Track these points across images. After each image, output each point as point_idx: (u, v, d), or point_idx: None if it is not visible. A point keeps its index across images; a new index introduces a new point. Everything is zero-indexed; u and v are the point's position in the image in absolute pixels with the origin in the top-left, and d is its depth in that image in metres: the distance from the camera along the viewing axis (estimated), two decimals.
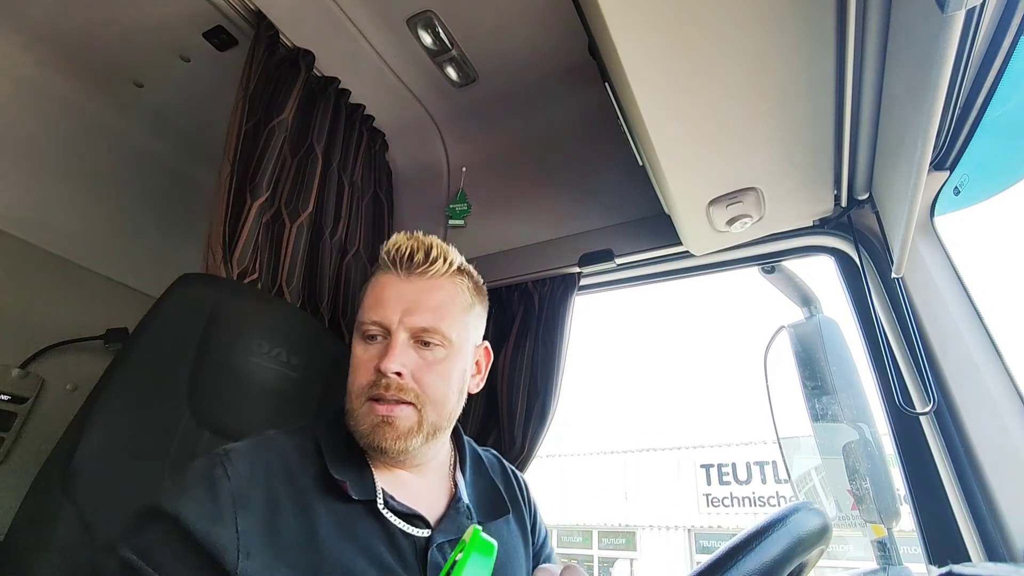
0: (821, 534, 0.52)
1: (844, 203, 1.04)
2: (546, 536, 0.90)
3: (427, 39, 1.40)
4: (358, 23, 1.39)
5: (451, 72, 1.51)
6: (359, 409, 0.68)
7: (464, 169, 1.69)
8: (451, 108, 1.65)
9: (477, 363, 0.80)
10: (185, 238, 1.80)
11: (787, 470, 1.18)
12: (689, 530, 10.66)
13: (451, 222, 1.63)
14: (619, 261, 1.35)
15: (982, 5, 0.56)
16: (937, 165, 0.91)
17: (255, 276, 1.15)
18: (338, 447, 0.68)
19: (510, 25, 1.37)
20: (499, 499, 0.79)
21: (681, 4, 0.68)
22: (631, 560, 11.09)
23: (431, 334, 0.69)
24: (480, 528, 0.59)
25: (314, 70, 1.45)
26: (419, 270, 0.72)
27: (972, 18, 0.57)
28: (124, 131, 1.68)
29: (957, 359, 0.91)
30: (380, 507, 0.64)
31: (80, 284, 1.54)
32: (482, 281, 0.83)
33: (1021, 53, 0.71)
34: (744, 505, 10.35)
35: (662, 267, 1.35)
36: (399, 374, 0.66)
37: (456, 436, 0.84)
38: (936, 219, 0.98)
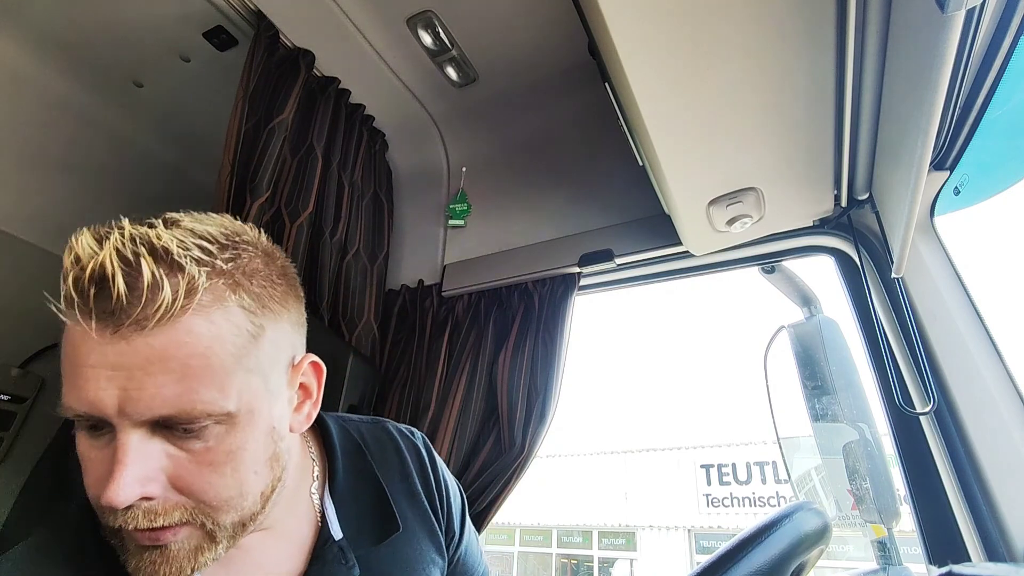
0: (821, 534, 0.52)
1: (844, 203, 1.04)
2: (461, 532, 0.73)
3: (427, 39, 1.40)
4: (358, 23, 1.39)
5: (451, 72, 1.51)
6: (112, 534, 0.45)
7: (464, 169, 1.69)
8: (451, 108, 1.65)
9: (303, 387, 0.53)
10: None
11: (787, 470, 1.18)
12: (689, 530, 10.66)
13: (451, 222, 1.63)
14: (619, 261, 1.35)
15: (982, 5, 0.56)
16: (937, 165, 0.91)
17: None
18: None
19: (510, 25, 1.37)
20: (386, 513, 0.60)
21: (681, 4, 0.68)
22: (631, 560, 11.09)
23: (187, 421, 0.42)
24: None
25: (314, 70, 1.45)
26: (130, 320, 0.40)
27: (972, 18, 0.57)
28: (124, 131, 1.68)
29: (957, 359, 0.91)
30: None
31: None
32: (276, 259, 0.51)
33: (1021, 53, 0.71)
34: (744, 505, 10.35)
35: (662, 267, 1.35)
36: (147, 498, 0.42)
37: (324, 437, 0.62)
38: (936, 219, 0.98)
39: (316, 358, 0.55)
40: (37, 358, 1.38)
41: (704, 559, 0.47)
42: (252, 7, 1.31)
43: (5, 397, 1.31)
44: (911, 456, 0.96)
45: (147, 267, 0.40)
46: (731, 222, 1.06)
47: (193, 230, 0.45)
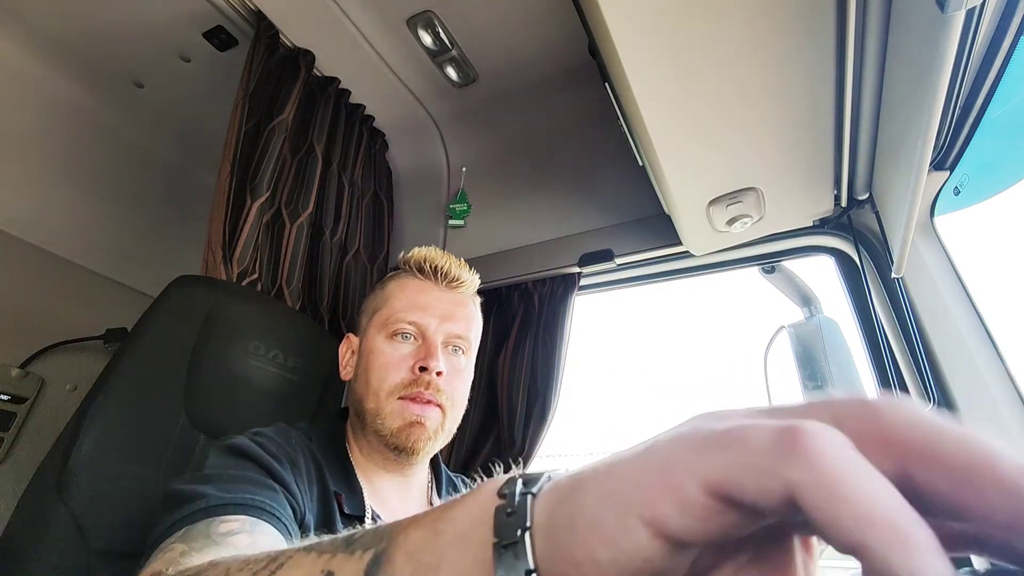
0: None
1: (844, 203, 1.04)
2: None
3: (427, 39, 1.40)
4: (358, 23, 1.39)
5: (451, 72, 1.51)
6: (387, 407, 0.69)
7: (464, 169, 1.69)
8: (451, 108, 1.65)
9: None
10: (185, 238, 1.81)
11: None
12: None
13: (451, 222, 1.63)
14: (619, 261, 1.35)
15: (982, 5, 0.56)
16: (937, 165, 0.91)
17: (255, 276, 1.15)
18: (332, 458, 0.69)
19: (510, 25, 1.37)
20: None
21: (681, 5, 0.68)
22: None
23: (462, 341, 0.75)
24: None
25: (314, 70, 1.45)
26: (454, 284, 0.79)
27: (972, 18, 0.57)
28: (124, 131, 1.68)
29: (957, 359, 0.91)
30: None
31: (80, 284, 1.54)
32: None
33: (1021, 53, 0.71)
34: None
35: (662, 267, 1.35)
36: (439, 374, 0.70)
37: (433, 460, 0.85)
38: (936, 219, 0.98)
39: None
40: (37, 358, 1.38)
41: None
42: (252, 7, 1.31)
43: (5, 397, 1.31)
44: None
45: (466, 269, 0.82)
46: (731, 222, 1.05)
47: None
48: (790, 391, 1.17)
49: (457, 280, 0.79)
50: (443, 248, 1.62)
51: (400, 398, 0.69)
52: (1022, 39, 0.69)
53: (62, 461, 0.78)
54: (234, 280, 1.11)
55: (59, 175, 1.53)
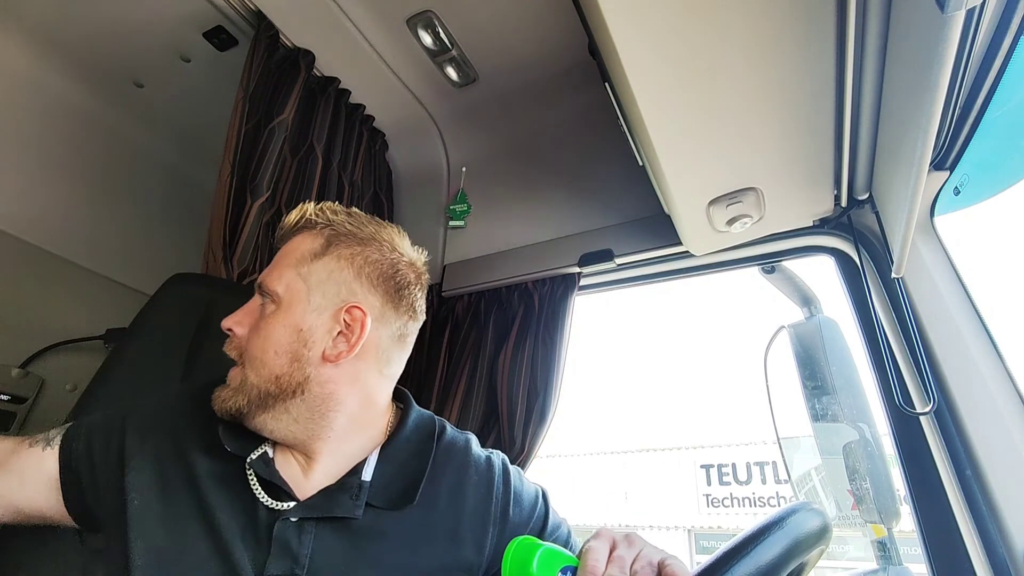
0: (821, 534, 0.52)
1: (844, 203, 1.04)
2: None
3: (427, 39, 1.40)
4: (358, 23, 1.39)
5: (451, 72, 1.51)
6: None
7: (464, 169, 1.69)
8: (451, 108, 1.65)
9: (348, 325, 0.66)
10: (185, 238, 1.80)
11: (787, 470, 1.18)
12: (689, 530, 10.66)
13: (451, 222, 1.63)
14: (619, 261, 1.35)
15: (982, 5, 0.56)
16: (937, 165, 0.91)
17: (255, 276, 1.15)
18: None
19: (510, 25, 1.37)
20: (410, 489, 0.66)
21: (681, 4, 0.68)
22: None
23: (262, 290, 0.67)
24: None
25: (314, 70, 1.45)
26: (283, 236, 0.72)
27: (972, 18, 0.57)
28: (124, 131, 1.68)
29: (957, 359, 0.91)
30: (247, 467, 0.64)
31: (80, 284, 1.54)
32: (364, 231, 0.70)
33: (1021, 53, 0.71)
34: (744, 505, 10.35)
35: (662, 267, 1.35)
36: (230, 330, 0.67)
37: (404, 413, 0.75)
38: (936, 219, 0.98)
39: (362, 306, 0.67)
40: (37, 358, 1.38)
41: (704, 559, 0.47)
42: (252, 7, 1.31)
43: (5, 397, 1.31)
44: (911, 456, 0.96)
45: (295, 212, 0.71)
46: (731, 222, 1.05)
47: (335, 209, 0.72)
48: (790, 391, 1.17)
49: (283, 229, 0.71)
50: (443, 248, 1.62)
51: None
52: (1022, 39, 0.69)
53: None
54: (234, 280, 1.11)
55: (59, 175, 1.53)
